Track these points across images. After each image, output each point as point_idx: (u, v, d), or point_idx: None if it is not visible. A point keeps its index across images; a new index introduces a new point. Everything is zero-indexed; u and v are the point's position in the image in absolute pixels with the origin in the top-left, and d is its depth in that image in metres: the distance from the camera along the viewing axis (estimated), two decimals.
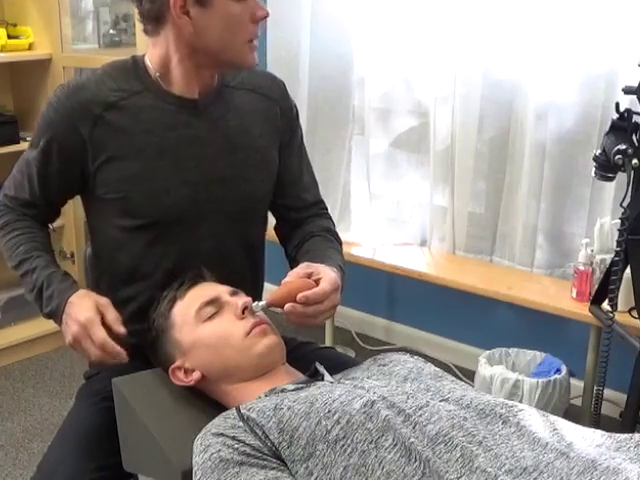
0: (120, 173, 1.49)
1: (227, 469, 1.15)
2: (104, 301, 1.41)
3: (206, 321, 1.38)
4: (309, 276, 1.38)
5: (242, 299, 1.40)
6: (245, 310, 1.37)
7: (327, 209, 1.74)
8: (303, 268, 1.40)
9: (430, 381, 1.30)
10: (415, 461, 1.09)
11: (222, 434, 1.19)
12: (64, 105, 1.48)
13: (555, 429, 1.18)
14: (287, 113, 1.65)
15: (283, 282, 1.37)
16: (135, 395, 1.41)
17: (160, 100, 1.51)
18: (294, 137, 1.67)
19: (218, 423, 1.23)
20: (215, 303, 1.39)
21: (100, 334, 1.36)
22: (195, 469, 1.19)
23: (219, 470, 1.15)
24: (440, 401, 1.21)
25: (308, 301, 1.32)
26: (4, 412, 2.77)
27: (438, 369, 1.37)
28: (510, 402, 1.23)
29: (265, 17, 1.46)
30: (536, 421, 1.19)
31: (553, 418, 1.21)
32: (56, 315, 1.44)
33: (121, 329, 1.39)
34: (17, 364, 3.09)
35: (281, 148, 1.63)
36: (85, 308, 1.39)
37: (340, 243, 1.68)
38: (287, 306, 1.33)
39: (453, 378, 1.34)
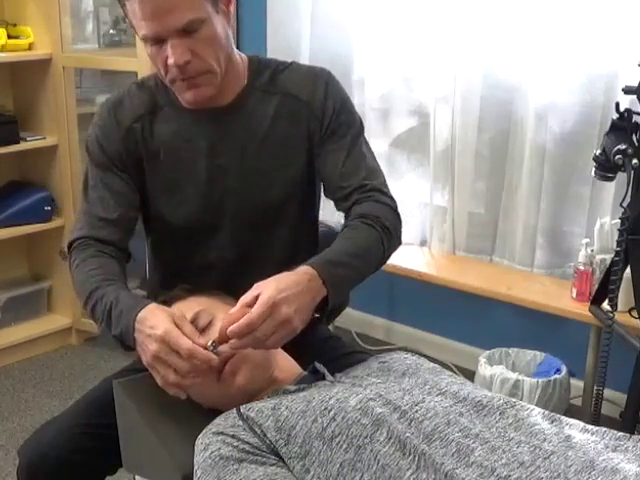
0: (148, 186, 1.55)
1: (227, 466, 1.16)
2: (179, 313, 1.29)
3: None
4: (256, 299, 1.24)
5: None
6: None
7: (375, 189, 1.50)
8: (252, 291, 1.26)
9: (428, 375, 1.30)
10: (409, 454, 1.09)
11: (222, 433, 1.20)
12: (109, 126, 1.52)
13: (554, 424, 1.18)
14: (318, 113, 1.52)
15: (229, 312, 1.26)
16: (136, 397, 1.41)
17: (177, 113, 1.52)
18: (331, 134, 1.53)
19: (218, 422, 1.24)
20: None
21: (185, 343, 1.22)
22: (196, 468, 1.20)
23: (219, 467, 1.16)
24: (437, 395, 1.21)
25: (236, 336, 1.22)
26: (4, 412, 2.76)
27: (437, 365, 1.38)
28: (508, 397, 1.23)
29: (176, 64, 1.37)
30: (535, 415, 1.20)
31: (555, 415, 1.21)
32: (127, 334, 1.29)
33: (201, 341, 1.26)
34: (17, 364, 3.08)
35: (315, 148, 1.54)
36: (160, 321, 1.25)
37: (375, 223, 1.44)
38: (230, 345, 1.25)
39: (451, 373, 1.35)
